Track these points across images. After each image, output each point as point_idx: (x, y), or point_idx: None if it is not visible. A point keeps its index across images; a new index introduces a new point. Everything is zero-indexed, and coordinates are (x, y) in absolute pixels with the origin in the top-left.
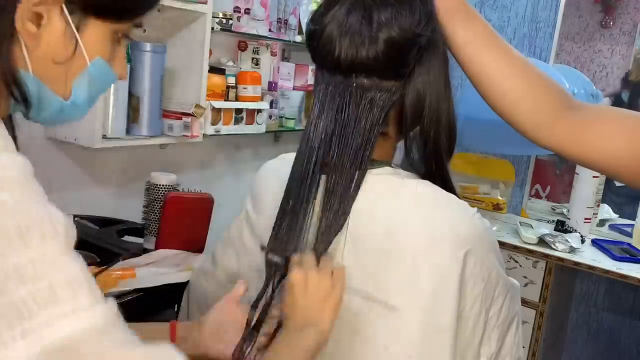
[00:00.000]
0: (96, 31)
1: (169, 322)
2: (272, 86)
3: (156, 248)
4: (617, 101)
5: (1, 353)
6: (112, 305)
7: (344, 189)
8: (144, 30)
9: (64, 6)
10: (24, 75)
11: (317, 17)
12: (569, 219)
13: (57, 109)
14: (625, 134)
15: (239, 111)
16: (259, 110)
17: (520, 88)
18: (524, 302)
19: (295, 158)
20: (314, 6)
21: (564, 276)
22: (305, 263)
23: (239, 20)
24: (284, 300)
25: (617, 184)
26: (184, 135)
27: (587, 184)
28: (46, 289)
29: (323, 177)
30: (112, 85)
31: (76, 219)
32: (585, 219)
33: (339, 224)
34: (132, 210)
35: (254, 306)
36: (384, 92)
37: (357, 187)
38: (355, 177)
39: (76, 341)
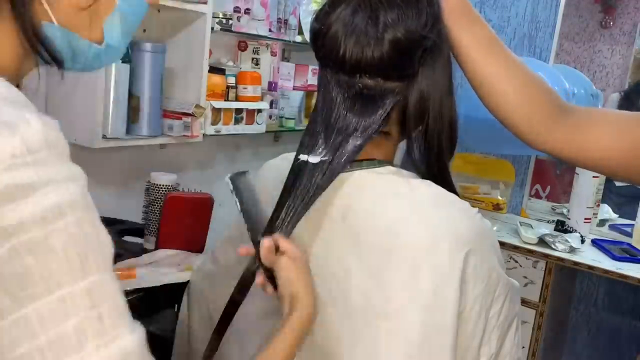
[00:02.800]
0: None
1: None
2: (272, 86)
3: (156, 248)
4: (623, 99)
5: None
6: (142, 331)
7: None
8: (144, 30)
9: None
10: (49, 26)
11: (322, 16)
12: (569, 219)
13: (92, 55)
14: (614, 133)
15: (239, 111)
16: (259, 110)
17: (519, 93)
18: (524, 302)
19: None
20: (314, 6)
21: (564, 276)
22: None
23: (239, 20)
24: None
25: (617, 183)
26: (184, 135)
27: (587, 184)
28: (96, 319)
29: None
30: (112, 85)
31: None
32: (585, 219)
33: (301, 213)
34: (132, 210)
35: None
36: (388, 92)
37: (330, 181)
38: (337, 171)
39: None
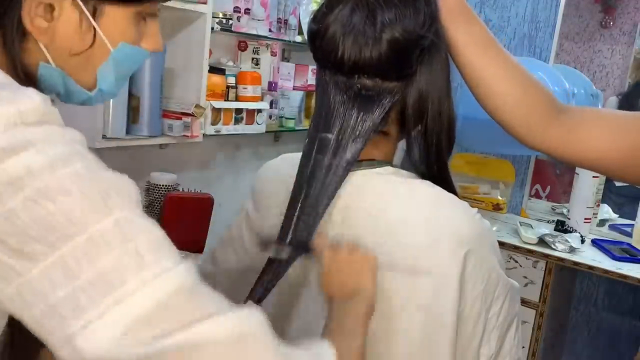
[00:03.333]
0: (117, 16)
1: None
2: (272, 86)
3: None
4: (623, 100)
5: (97, 323)
6: (191, 264)
7: (334, 188)
8: None
9: None
10: (46, 67)
11: (319, 16)
12: (569, 219)
13: (84, 98)
14: (611, 134)
15: (239, 111)
16: (259, 110)
17: (516, 94)
18: (524, 302)
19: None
20: (314, 6)
21: (564, 276)
22: (332, 246)
23: (239, 20)
24: (320, 283)
25: (617, 183)
26: (184, 135)
27: (587, 184)
28: (133, 254)
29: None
30: None
31: None
32: (585, 219)
33: (317, 220)
34: None
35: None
36: (386, 92)
37: (339, 185)
38: (342, 175)
39: (165, 304)
